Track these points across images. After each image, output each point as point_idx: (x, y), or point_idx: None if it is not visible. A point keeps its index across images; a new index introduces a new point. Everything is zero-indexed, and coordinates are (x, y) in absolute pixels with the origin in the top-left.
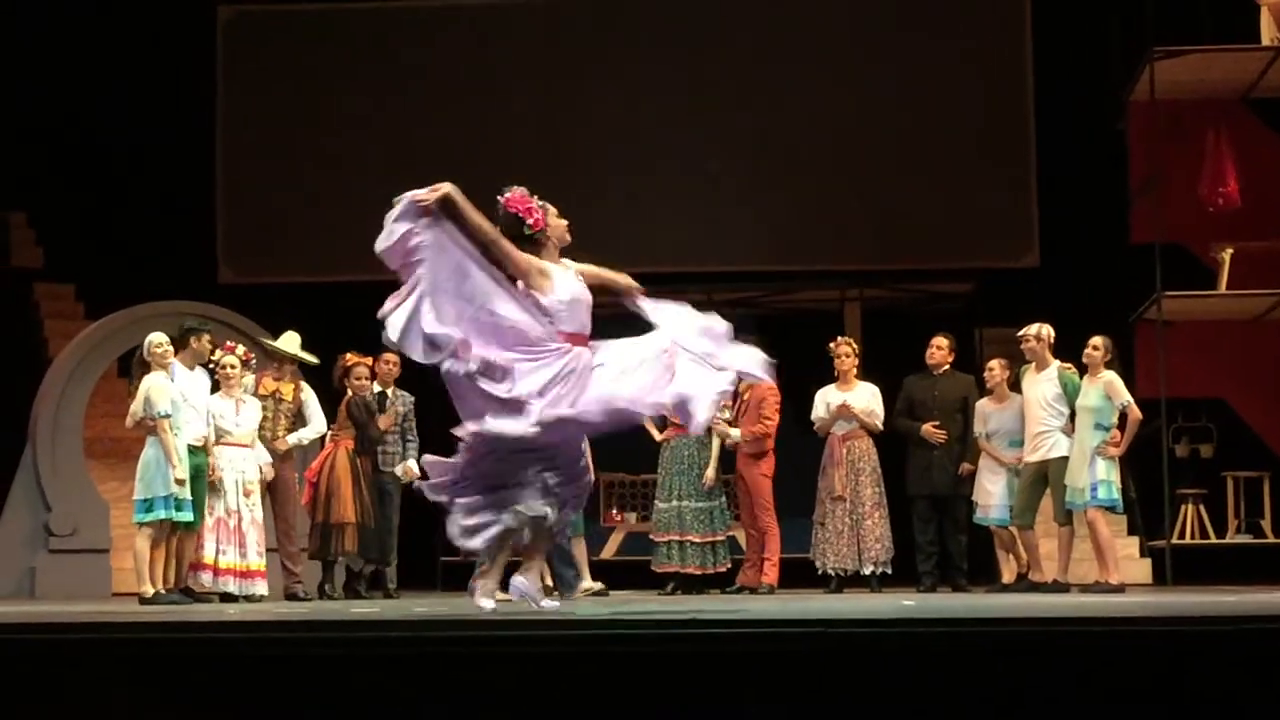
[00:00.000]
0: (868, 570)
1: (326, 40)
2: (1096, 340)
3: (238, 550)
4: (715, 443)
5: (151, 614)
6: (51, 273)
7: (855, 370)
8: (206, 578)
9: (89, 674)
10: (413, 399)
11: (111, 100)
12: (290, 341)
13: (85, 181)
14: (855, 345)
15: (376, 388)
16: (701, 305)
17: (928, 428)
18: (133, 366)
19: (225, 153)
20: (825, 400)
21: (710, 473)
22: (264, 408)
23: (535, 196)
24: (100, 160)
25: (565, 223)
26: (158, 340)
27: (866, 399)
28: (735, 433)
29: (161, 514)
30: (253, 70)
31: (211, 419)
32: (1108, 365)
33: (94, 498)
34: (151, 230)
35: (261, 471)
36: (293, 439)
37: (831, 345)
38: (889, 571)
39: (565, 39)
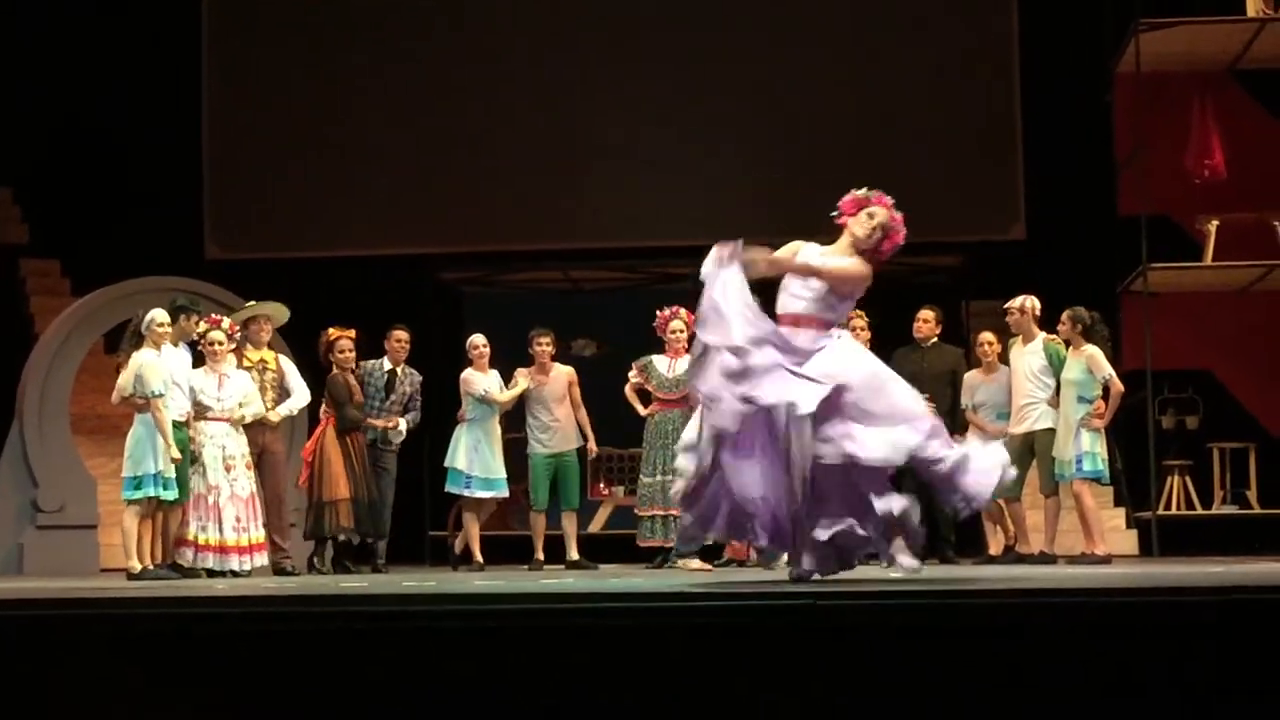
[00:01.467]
0: None
1: (314, 15)
2: (1063, 315)
3: (216, 526)
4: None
5: (140, 589)
6: (37, 248)
7: (868, 344)
8: (189, 554)
9: (78, 650)
10: (420, 378)
11: (98, 75)
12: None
13: (71, 157)
14: (866, 318)
15: (387, 365)
16: (690, 280)
17: None
18: (123, 341)
19: (212, 128)
20: None
21: None
22: (251, 379)
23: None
24: (86, 135)
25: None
26: (160, 318)
27: None
28: None
29: (151, 491)
30: (240, 45)
31: (193, 394)
32: (1092, 336)
33: (81, 474)
34: (138, 205)
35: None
36: (283, 410)
37: None
38: None
39: (563, 14)
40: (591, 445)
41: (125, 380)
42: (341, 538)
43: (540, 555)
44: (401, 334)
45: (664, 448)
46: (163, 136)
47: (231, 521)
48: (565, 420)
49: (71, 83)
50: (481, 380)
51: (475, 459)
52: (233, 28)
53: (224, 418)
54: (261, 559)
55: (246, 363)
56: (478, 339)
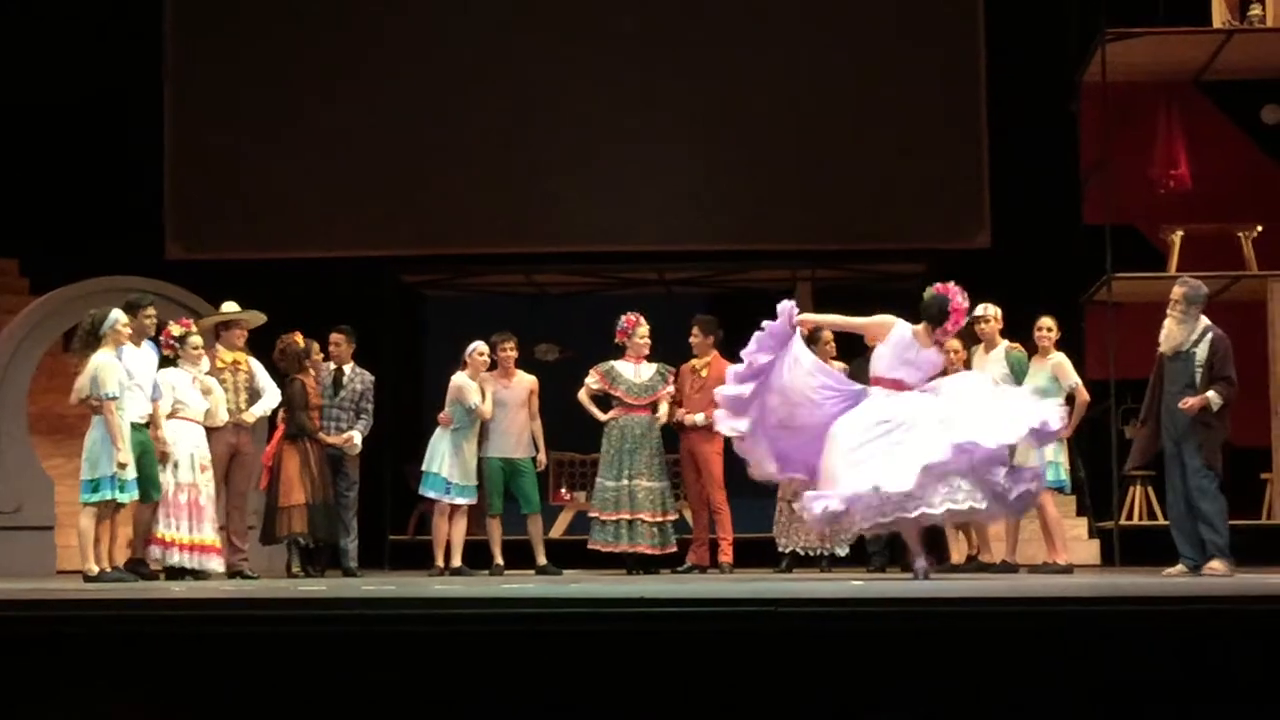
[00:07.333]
0: (843, 551)
1: (277, 14)
2: (1048, 321)
3: (190, 524)
4: (663, 413)
5: (96, 591)
6: None
7: (832, 357)
8: (157, 552)
9: (33, 652)
10: (372, 378)
11: (57, 72)
12: (230, 307)
13: (30, 155)
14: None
15: (331, 365)
16: (653, 285)
17: None
18: (75, 341)
19: (173, 127)
20: None
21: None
22: (223, 380)
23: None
24: (45, 134)
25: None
26: (122, 319)
27: None
28: (699, 417)
29: (107, 494)
30: (202, 44)
31: (172, 393)
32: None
33: (38, 474)
34: (98, 205)
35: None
36: (258, 410)
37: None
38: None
39: (528, 19)
40: (541, 458)
41: (82, 382)
42: (302, 542)
43: (500, 560)
44: (334, 335)
45: (630, 452)
46: (123, 136)
47: (210, 521)
48: (522, 427)
49: (30, 79)
50: (475, 392)
51: (456, 465)
52: (195, 25)
53: (197, 418)
54: (217, 562)
55: (220, 363)
56: (483, 346)
